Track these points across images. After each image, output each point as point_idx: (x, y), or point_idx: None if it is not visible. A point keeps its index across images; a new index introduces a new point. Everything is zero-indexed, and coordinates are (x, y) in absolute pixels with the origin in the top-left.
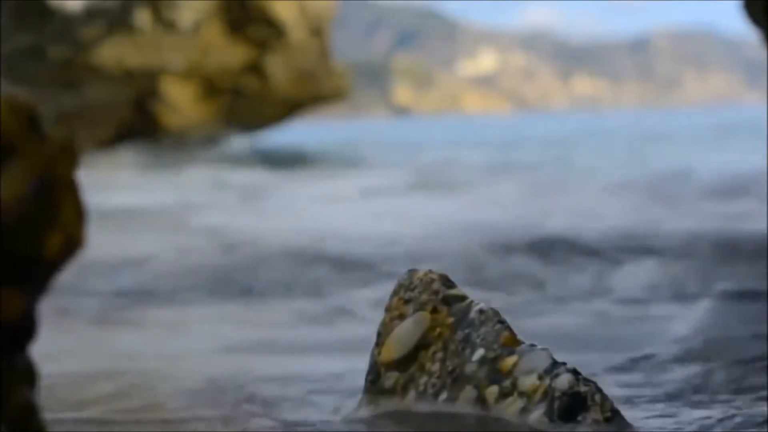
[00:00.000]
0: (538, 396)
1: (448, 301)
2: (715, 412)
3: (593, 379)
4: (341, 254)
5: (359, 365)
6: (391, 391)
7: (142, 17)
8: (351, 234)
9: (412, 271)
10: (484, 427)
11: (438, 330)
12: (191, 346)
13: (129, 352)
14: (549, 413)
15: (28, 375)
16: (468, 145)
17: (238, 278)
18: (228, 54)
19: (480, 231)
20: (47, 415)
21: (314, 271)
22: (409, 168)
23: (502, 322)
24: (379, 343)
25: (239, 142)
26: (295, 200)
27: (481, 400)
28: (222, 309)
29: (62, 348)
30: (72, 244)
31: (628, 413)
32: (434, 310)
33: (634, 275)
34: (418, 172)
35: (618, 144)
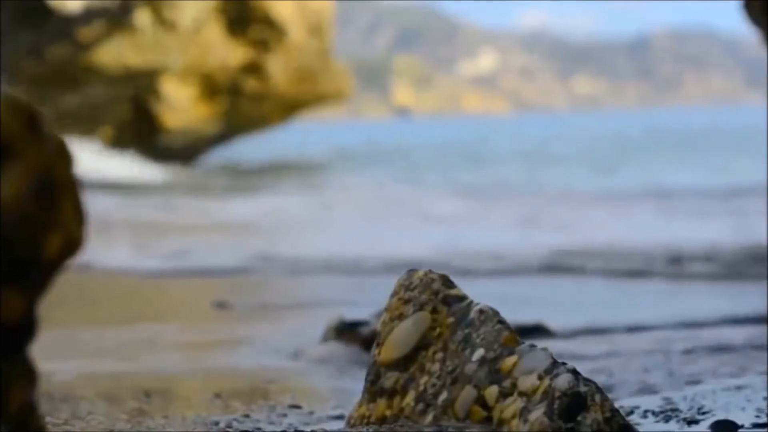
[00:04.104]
0: (538, 396)
1: (448, 301)
2: None
3: None
4: None
5: None
6: (390, 392)
7: (142, 17)
8: None
9: (411, 271)
10: None
11: (438, 330)
12: None
13: None
14: (549, 413)
15: (28, 375)
16: None
17: None
18: (228, 54)
19: None
20: None
21: None
22: None
23: (502, 322)
24: (379, 343)
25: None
26: None
27: (481, 400)
28: None
29: None
30: (72, 244)
31: None
32: (434, 310)
33: None
34: None
35: None
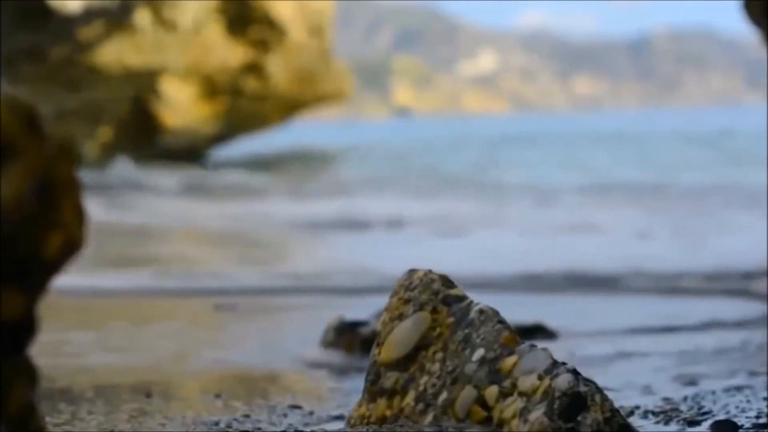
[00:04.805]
0: (538, 396)
1: (448, 301)
2: None
3: None
4: None
5: None
6: (390, 392)
7: (142, 17)
8: None
9: (412, 271)
10: None
11: (438, 330)
12: None
13: None
14: (549, 413)
15: (28, 375)
16: None
17: None
18: (228, 54)
19: None
20: None
21: None
22: None
23: (502, 322)
24: (379, 343)
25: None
26: None
27: (481, 400)
28: None
29: None
30: (72, 244)
31: None
32: (434, 310)
33: None
34: None
35: None
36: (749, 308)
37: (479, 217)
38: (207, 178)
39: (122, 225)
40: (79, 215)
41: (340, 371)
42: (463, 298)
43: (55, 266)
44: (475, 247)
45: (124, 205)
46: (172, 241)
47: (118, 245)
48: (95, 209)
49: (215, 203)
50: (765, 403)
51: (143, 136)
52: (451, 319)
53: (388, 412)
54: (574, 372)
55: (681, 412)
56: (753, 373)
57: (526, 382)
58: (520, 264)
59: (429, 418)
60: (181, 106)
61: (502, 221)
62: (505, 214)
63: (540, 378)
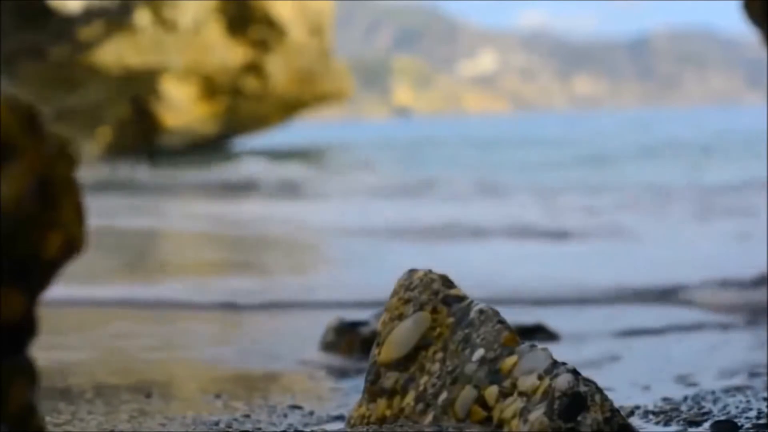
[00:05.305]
0: (538, 396)
1: (448, 301)
2: None
3: None
4: None
5: None
6: (390, 392)
7: (142, 17)
8: None
9: (411, 271)
10: None
11: (438, 330)
12: None
13: None
14: (549, 413)
15: (28, 375)
16: None
17: None
18: (228, 54)
19: None
20: None
21: None
22: None
23: (502, 322)
24: (379, 343)
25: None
26: None
27: (481, 400)
28: None
29: None
30: (72, 244)
31: None
32: (434, 310)
33: None
34: None
35: None
36: (751, 310)
37: (525, 222)
38: (239, 178)
39: (163, 231)
40: (79, 215)
41: (340, 371)
42: (463, 298)
43: (54, 266)
44: (516, 254)
45: (158, 210)
46: (203, 247)
47: (175, 251)
48: (124, 214)
49: (249, 204)
50: (765, 403)
51: (143, 136)
52: (451, 319)
53: (388, 412)
54: (574, 372)
55: (681, 412)
56: (753, 373)
57: (526, 382)
58: (599, 276)
59: (429, 418)
60: (181, 106)
61: (544, 226)
62: (544, 218)
63: (540, 378)
